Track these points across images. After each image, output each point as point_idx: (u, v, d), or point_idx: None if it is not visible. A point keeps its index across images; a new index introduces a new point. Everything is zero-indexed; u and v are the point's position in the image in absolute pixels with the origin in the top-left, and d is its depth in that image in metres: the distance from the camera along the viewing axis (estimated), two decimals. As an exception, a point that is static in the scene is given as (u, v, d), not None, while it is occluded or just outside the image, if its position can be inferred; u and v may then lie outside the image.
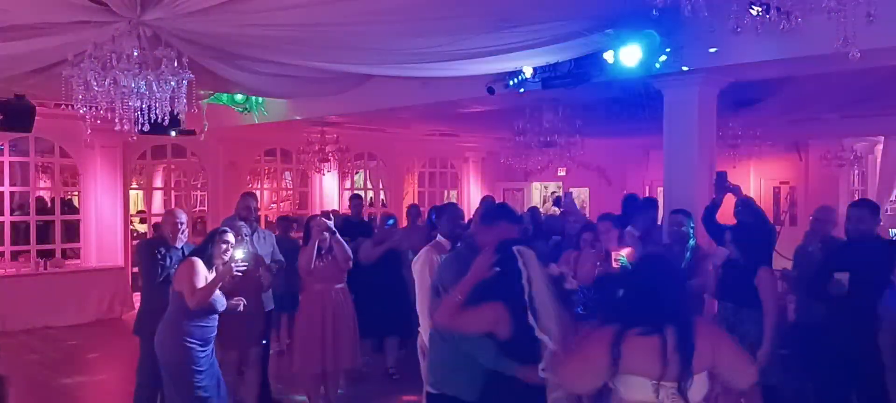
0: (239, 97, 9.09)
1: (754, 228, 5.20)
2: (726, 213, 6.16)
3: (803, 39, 4.21)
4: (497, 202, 8.72)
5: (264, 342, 6.04)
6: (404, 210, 9.96)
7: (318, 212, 9.95)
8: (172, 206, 11.90)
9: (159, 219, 11.76)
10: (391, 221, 7.44)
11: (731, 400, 4.71)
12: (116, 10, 4.50)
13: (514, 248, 3.01)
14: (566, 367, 2.79)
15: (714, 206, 6.00)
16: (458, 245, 3.49)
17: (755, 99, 8.52)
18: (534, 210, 9.12)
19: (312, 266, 5.61)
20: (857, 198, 13.09)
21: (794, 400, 5.75)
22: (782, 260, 6.37)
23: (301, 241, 6.57)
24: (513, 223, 3.38)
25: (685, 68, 5.91)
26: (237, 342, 5.54)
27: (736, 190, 5.97)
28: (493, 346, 3.03)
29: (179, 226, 5.32)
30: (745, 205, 5.88)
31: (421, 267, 4.32)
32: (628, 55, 5.89)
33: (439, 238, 4.48)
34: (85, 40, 4.79)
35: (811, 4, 2.96)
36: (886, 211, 13.69)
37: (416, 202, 14.06)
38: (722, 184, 5.90)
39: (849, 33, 2.88)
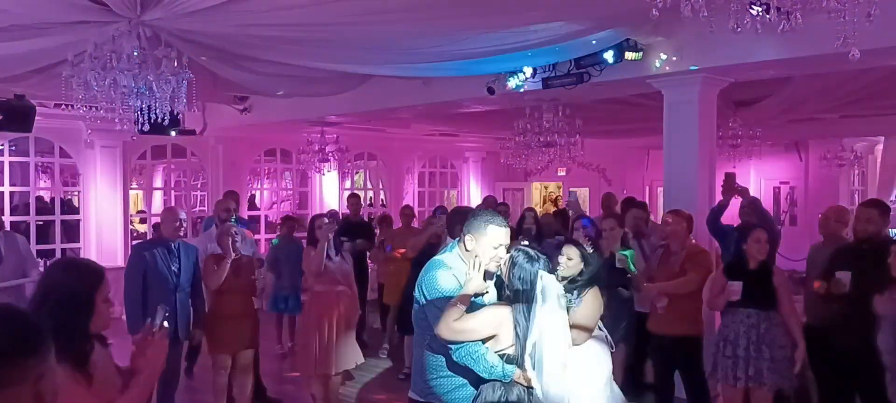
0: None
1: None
2: (730, 215, 6.16)
3: (803, 39, 4.20)
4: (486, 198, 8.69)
5: None
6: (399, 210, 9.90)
7: (318, 213, 9.95)
8: (173, 206, 11.91)
9: (158, 219, 11.82)
10: (440, 213, 7.56)
11: None
12: (116, 10, 4.50)
13: (542, 273, 2.98)
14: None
15: (720, 208, 5.98)
16: (444, 255, 3.27)
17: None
18: (530, 211, 9.11)
19: (322, 268, 5.58)
20: (857, 198, 13.11)
21: (797, 400, 5.76)
22: (782, 261, 6.35)
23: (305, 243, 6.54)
24: (501, 226, 3.19)
25: (686, 68, 5.91)
26: (228, 344, 5.50)
27: (744, 191, 5.95)
28: (489, 353, 2.97)
29: (181, 225, 5.32)
30: (752, 207, 5.86)
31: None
32: (628, 55, 5.91)
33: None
34: (85, 40, 4.80)
35: (811, 4, 2.96)
36: (886, 211, 13.68)
37: (415, 202, 14.10)
38: (730, 186, 5.87)
39: (849, 33, 2.88)
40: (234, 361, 5.56)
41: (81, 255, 10.48)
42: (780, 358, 4.55)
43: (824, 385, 5.13)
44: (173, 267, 5.25)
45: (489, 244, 3.10)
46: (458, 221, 4.63)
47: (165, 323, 2.48)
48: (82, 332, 2.26)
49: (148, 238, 10.05)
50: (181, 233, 5.34)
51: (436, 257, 3.33)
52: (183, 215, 5.42)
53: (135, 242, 5.59)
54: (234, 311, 5.44)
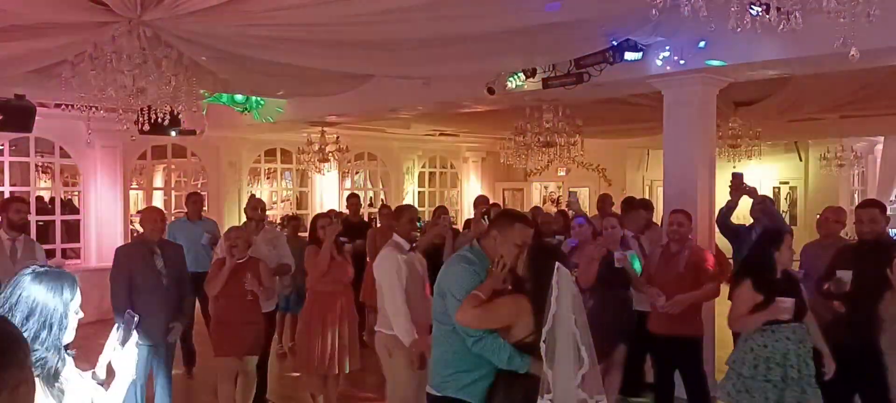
0: (239, 97, 9.11)
1: None
2: (740, 214, 6.15)
3: (803, 39, 4.21)
4: (502, 207, 8.72)
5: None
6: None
7: (320, 213, 9.96)
8: (172, 206, 11.92)
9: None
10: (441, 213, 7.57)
11: None
12: (116, 10, 4.49)
13: (557, 264, 3.03)
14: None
15: (729, 208, 5.97)
16: (465, 251, 3.40)
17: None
18: (536, 209, 9.13)
19: (327, 268, 5.55)
20: (857, 198, 13.11)
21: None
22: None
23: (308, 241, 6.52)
24: (527, 225, 3.32)
25: (686, 68, 5.91)
26: (232, 350, 5.41)
27: (752, 190, 5.95)
28: (507, 345, 3.06)
29: (160, 224, 5.30)
30: (762, 206, 5.84)
31: (387, 268, 4.56)
32: (628, 55, 5.91)
33: (396, 238, 4.73)
34: (85, 40, 4.79)
35: (811, 4, 2.96)
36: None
37: (415, 202, 14.12)
38: (738, 185, 5.86)
39: (849, 33, 2.88)
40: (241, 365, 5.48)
41: (81, 255, 10.50)
42: (815, 373, 4.22)
43: (825, 385, 5.13)
44: (160, 267, 5.20)
45: (513, 241, 3.21)
46: (397, 218, 4.94)
47: (135, 332, 2.44)
48: (55, 347, 2.15)
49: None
50: (163, 233, 5.30)
51: (458, 252, 3.46)
52: (162, 215, 5.42)
53: (117, 246, 5.51)
54: (237, 317, 5.37)
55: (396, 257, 4.58)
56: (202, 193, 9.06)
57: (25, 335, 2.02)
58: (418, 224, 5.88)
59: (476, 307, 3.04)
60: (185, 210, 7.82)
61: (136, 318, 2.46)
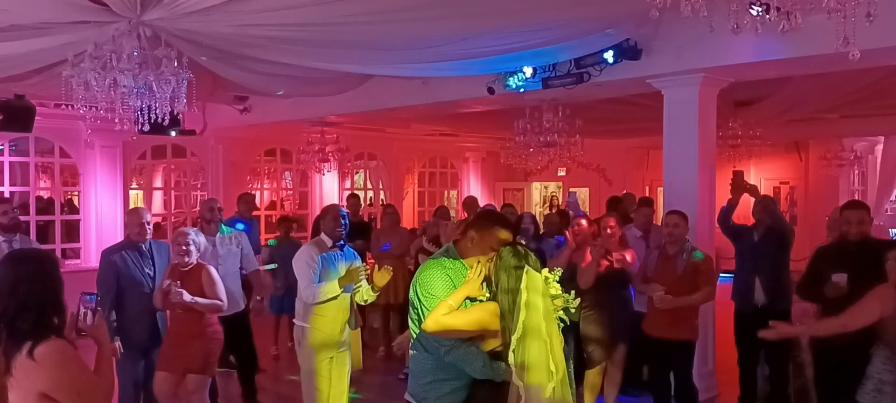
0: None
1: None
2: (742, 214, 6.14)
3: (803, 39, 4.20)
4: (486, 206, 8.71)
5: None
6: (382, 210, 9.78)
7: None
8: (172, 206, 11.92)
9: (159, 219, 11.81)
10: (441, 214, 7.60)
11: None
12: (116, 10, 4.50)
13: (527, 269, 2.94)
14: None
15: (730, 207, 5.95)
16: (439, 255, 3.28)
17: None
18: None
19: None
20: (857, 198, 13.11)
21: (797, 400, 5.76)
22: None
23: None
24: (509, 230, 3.19)
25: (686, 68, 5.91)
26: (174, 366, 4.92)
27: (752, 189, 5.93)
28: (480, 354, 2.97)
29: (145, 226, 5.11)
30: (764, 205, 5.82)
31: (300, 260, 4.86)
32: (628, 55, 5.91)
33: (322, 236, 4.98)
34: (85, 40, 4.80)
35: (811, 4, 2.96)
36: (886, 210, 13.72)
37: (415, 202, 14.12)
38: (739, 184, 5.85)
39: (849, 33, 2.88)
40: (182, 385, 4.94)
41: (81, 255, 10.50)
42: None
43: (824, 385, 5.12)
44: (147, 270, 5.07)
45: (490, 244, 3.11)
46: (322, 217, 5.14)
47: (100, 309, 2.58)
48: (61, 304, 2.43)
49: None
50: (148, 235, 5.13)
51: (431, 258, 3.33)
52: (148, 217, 5.21)
53: (103, 249, 5.37)
54: (182, 330, 4.91)
55: (313, 252, 4.88)
56: (253, 193, 9.00)
57: (32, 306, 2.31)
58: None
59: (444, 316, 2.91)
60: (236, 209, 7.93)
61: (95, 298, 2.59)
